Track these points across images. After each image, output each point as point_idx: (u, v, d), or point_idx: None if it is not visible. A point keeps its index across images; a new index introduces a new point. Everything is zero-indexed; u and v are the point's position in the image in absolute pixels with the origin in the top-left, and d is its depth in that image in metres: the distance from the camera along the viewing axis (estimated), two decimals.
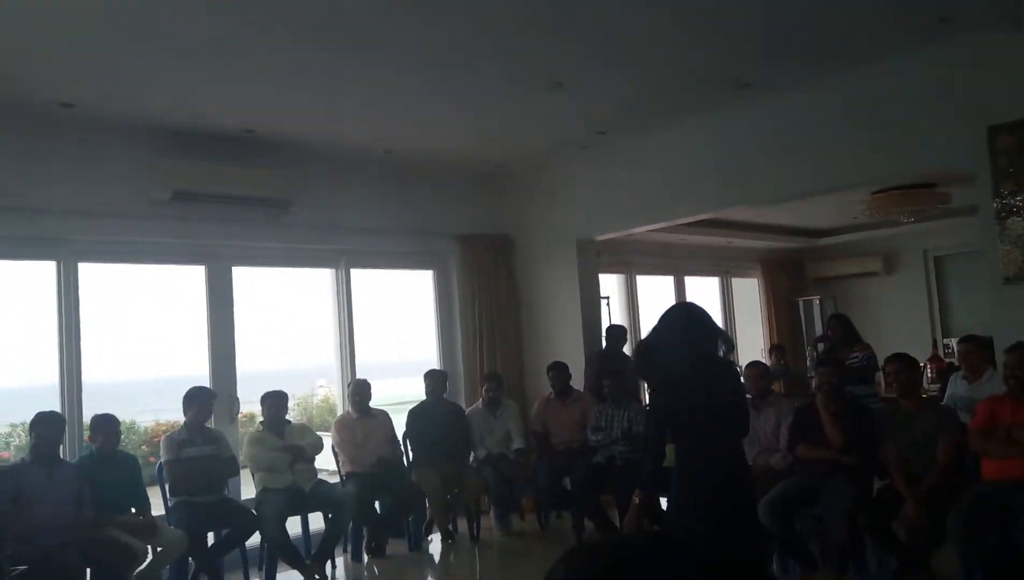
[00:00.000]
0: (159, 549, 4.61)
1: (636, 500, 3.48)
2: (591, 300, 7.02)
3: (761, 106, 5.52)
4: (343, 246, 6.52)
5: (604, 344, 6.81)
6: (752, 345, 9.84)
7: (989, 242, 4.60)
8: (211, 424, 5.36)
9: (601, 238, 7.00)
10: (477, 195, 7.25)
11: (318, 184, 6.03)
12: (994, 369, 4.56)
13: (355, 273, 6.66)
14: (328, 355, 6.74)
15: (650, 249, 8.54)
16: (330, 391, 16.47)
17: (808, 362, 8.24)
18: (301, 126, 5.56)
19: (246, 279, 6.22)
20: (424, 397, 6.24)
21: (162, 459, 5.08)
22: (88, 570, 4.30)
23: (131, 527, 4.57)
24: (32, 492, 4.26)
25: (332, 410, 11.42)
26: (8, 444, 11.57)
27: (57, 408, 4.95)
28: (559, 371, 6.23)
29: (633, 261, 8.48)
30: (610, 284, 8.33)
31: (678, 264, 9.25)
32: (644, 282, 8.72)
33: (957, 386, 4.84)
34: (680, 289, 9.27)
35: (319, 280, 6.78)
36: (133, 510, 4.76)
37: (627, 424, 5.63)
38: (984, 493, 3.88)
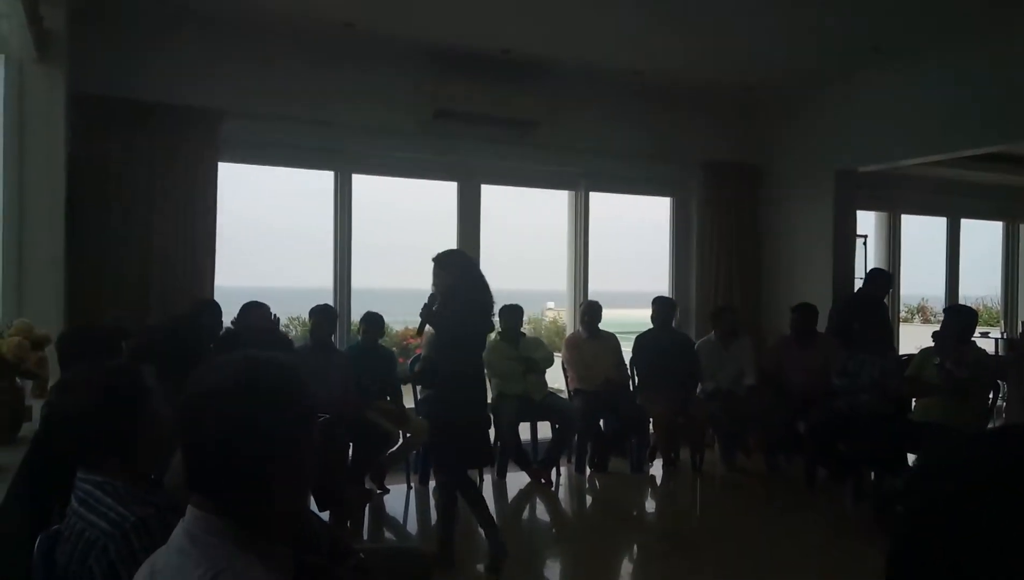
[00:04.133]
0: (408, 435, 5.13)
1: None
2: (846, 238, 6.46)
3: None
4: (584, 168, 6.58)
5: (863, 287, 6.21)
6: None
7: None
8: None
9: (864, 170, 6.35)
10: (724, 121, 6.89)
11: (564, 105, 6.08)
12: None
13: (592, 197, 6.71)
14: (557, 279, 6.91)
15: (921, 185, 7.59)
16: (559, 314, 17.08)
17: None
18: (554, 47, 5.60)
19: (490, 198, 6.52)
20: (651, 325, 6.20)
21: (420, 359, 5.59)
22: (351, 444, 4.93)
23: (386, 412, 5.12)
24: (311, 371, 4.91)
25: (560, 332, 11.83)
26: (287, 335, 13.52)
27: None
28: (805, 313, 5.84)
29: (899, 198, 7.62)
30: (867, 222, 7.59)
31: (954, 204, 8.15)
32: (909, 222, 7.82)
33: None
34: (954, 233, 8.19)
35: (553, 204, 6.91)
36: (388, 398, 5.33)
37: (879, 374, 5.17)
38: None
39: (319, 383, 4.68)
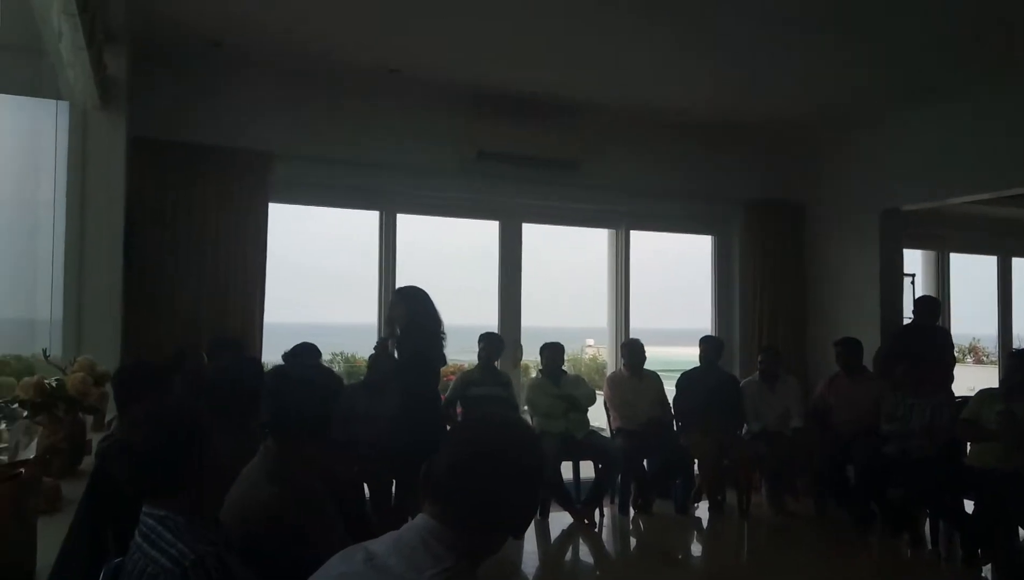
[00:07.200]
0: None
1: None
2: (892, 277, 6.35)
3: None
4: (625, 207, 6.61)
5: (914, 318, 6.05)
6: None
7: None
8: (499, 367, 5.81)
9: (910, 208, 6.27)
10: (766, 159, 6.88)
11: (605, 145, 6.15)
12: None
13: (633, 234, 6.72)
14: (598, 316, 6.90)
15: (970, 224, 7.45)
16: (598, 351, 16.98)
17: None
18: (594, 87, 5.67)
19: (531, 236, 6.58)
20: (697, 363, 6.14)
21: (447, 393, 5.59)
22: (394, 481, 4.93)
23: None
24: (357, 411, 4.96)
25: (600, 370, 11.76)
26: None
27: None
28: (849, 346, 5.73)
29: (946, 236, 7.48)
30: (914, 260, 7.46)
31: (1004, 243, 7.97)
32: (958, 261, 7.66)
33: None
34: (1005, 272, 8.00)
35: (594, 241, 6.94)
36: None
37: (929, 417, 5.01)
38: None
39: (362, 423, 4.73)
